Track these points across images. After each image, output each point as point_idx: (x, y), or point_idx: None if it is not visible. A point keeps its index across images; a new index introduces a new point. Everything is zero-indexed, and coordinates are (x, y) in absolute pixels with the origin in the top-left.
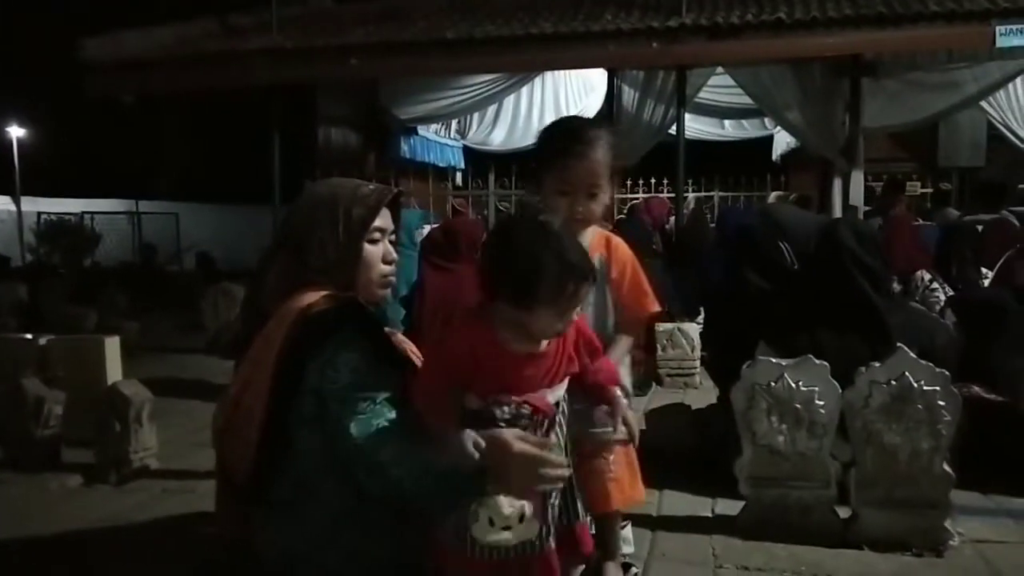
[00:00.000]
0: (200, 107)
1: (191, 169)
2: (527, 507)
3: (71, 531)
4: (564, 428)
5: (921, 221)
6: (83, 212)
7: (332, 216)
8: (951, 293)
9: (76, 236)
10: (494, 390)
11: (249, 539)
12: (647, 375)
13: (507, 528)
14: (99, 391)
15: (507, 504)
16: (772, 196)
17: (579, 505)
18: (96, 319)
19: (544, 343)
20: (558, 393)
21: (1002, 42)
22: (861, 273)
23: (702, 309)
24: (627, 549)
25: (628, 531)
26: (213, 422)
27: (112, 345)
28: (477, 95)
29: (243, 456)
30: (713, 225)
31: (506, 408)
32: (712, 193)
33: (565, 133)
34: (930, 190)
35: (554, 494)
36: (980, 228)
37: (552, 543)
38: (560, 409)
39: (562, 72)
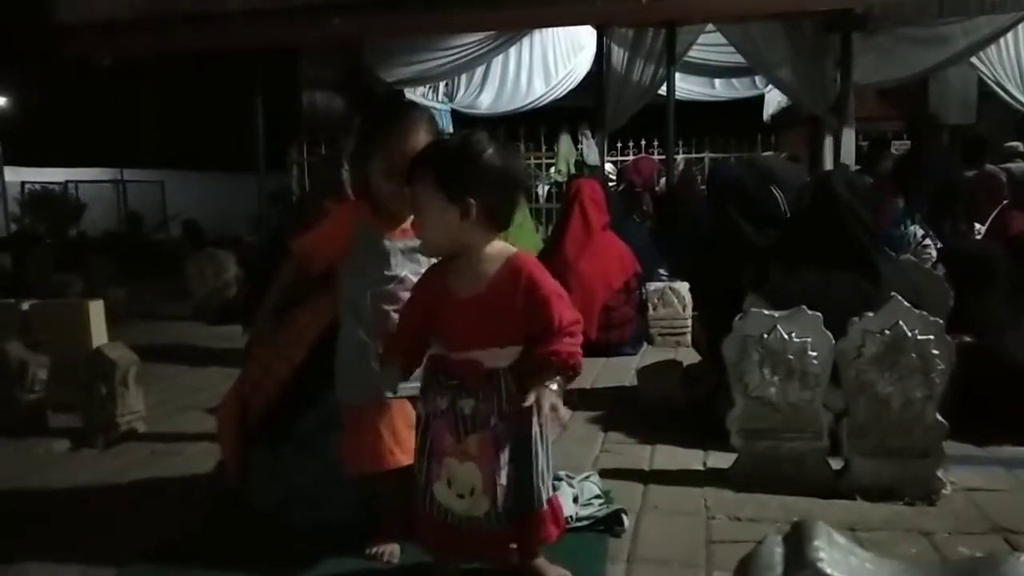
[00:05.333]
0: (183, 72)
1: (176, 136)
2: (478, 483)
3: (59, 494)
4: (501, 398)
5: None
6: (67, 181)
7: None
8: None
9: (61, 205)
10: (442, 337)
11: (243, 488)
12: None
13: (461, 496)
14: (83, 355)
15: (463, 471)
16: None
17: (539, 493)
18: (81, 286)
19: (473, 285)
20: (494, 358)
21: None
22: (855, 224)
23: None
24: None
25: (596, 478)
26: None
27: (96, 309)
28: (464, 56)
29: (279, 380)
30: (703, 186)
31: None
32: (702, 155)
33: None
34: None
35: (505, 476)
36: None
37: (503, 529)
38: (497, 380)
39: (550, 32)
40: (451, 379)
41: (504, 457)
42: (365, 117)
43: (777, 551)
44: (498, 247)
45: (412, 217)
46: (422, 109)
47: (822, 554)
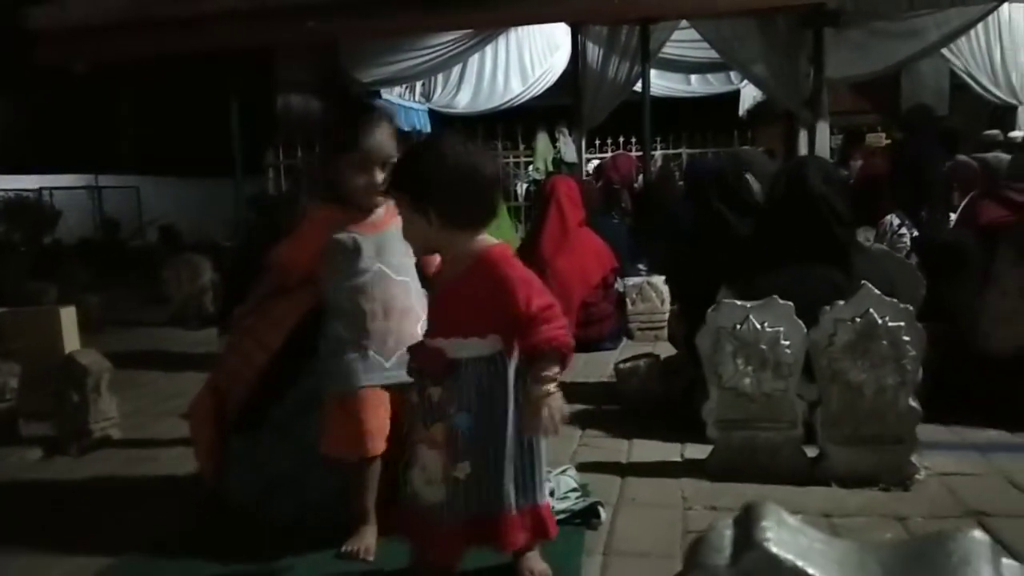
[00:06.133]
0: (157, 76)
1: (151, 141)
2: (438, 472)
3: (35, 499)
4: (462, 391)
5: None
6: (41, 188)
7: None
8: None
9: (36, 213)
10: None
11: (220, 485)
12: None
13: (429, 483)
14: (55, 362)
15: (430, 458)
16: None
17: (508, 497)
18: (56, 293)
19: (449, 278)
20: (455, 348)
21: None
22: (830, 216)
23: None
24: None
25: (573, 472)
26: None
27: (68, 316)
28: (440, 56)
29: (256, 368)
30: (681, 183)
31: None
32: (679, 150)
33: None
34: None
35: (460, 470)
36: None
37: (453, 525)
38: (462, 371)
39: (526, 31)
40: (417, 365)
41: (461, 450)
42: (332, 120)
43: (727, 534)
44: (476, 243)
45: (383, 211)
46: (381, 107)
47: (770, 534)
